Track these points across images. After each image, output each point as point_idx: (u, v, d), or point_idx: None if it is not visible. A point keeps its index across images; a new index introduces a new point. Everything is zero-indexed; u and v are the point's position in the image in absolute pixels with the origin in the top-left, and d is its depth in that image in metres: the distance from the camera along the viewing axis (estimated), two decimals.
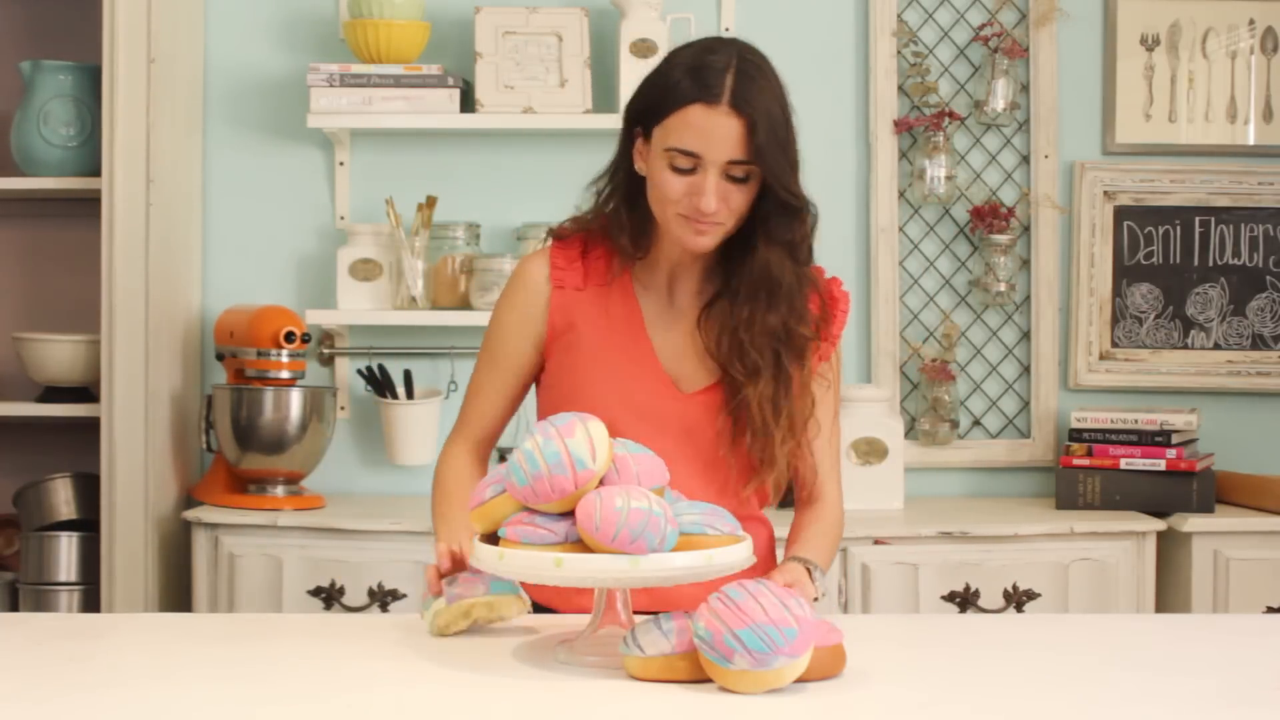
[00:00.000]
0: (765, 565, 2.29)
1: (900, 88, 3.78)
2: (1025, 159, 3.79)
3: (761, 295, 2.24)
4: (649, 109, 2.22)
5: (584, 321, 2.30)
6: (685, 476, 2.17)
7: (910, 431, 3.75)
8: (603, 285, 2.31)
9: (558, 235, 2.35)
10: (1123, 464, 3.52)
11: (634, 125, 2.26)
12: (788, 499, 3.55)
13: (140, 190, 3.43)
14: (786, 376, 2.25)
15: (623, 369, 2.28)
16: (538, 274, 2.33)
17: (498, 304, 2.37)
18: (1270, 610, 3.35)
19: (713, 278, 2.29)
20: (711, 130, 2.15)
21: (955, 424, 3.75)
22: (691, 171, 2.16)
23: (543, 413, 2.34)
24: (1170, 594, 3.43)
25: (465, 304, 3.65)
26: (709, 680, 1.77)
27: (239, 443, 3.46)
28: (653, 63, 3.52)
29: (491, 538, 1.92)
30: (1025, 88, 3.78)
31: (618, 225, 2.28)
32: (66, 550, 3.51)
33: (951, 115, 3.73)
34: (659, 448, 2.05)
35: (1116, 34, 3.80)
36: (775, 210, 2.21)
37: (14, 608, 3.54)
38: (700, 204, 2.16)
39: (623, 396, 2.26)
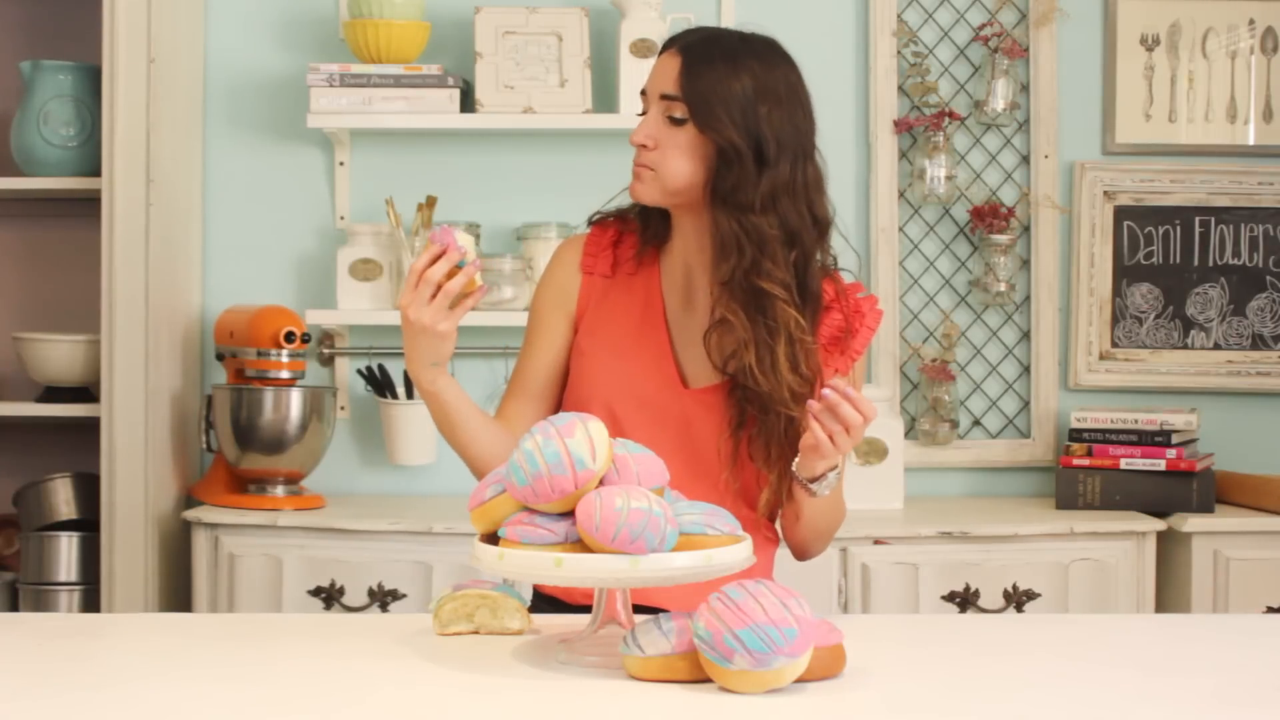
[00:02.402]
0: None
1: (900, 88, 3.78)
2: (1025, 159, 3.79)
3: (719, 256, 2.22)
4: None
5: (608, 308, 2.33)
6: (679, 474, 2.17)
7: (910, 431, 3.75)
8: (631, 274, 2.34)
9: (597, 221, 2.40)
10: (1123, 464, 3.52)
11: None
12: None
13: (140, 190, 3.43)
14: (768, 336, 2.19)
15: (633, 357, 2.30)
16: (570, 260, 2.37)
17: (537, 289, 2.42)
18: (1270, 610, 3.36)
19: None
20: (657, 69, 2.25)
21: (955, 424, 3.75)
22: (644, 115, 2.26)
23: (564, 401, 2.37)
24: (1170, 594, 3.43)
25: None
26: (709, 680, 1.77)
27: (239, 443, 3.47)
28: (652, 63, 3.56)
29: (492, 538, 1.92)
30: (1025, 88, 3.78)
31: (634, 207, 2.34)
32: (66, 550, 3.51)
33: (951, 115, 3.73)
34: (656, 441, 2.06)
35: (1116, 34, 3.80)
36: (718, 167, 2.20)
37: (14, 608, 3.54)
38: (631, 136, 2.24)
39: (626, 384, 2.28)
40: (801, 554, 2.36)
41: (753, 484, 2.29)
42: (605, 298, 2.34)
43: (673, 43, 2.27)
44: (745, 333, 2.20)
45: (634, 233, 2.35)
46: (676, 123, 2.21)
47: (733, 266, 2.20)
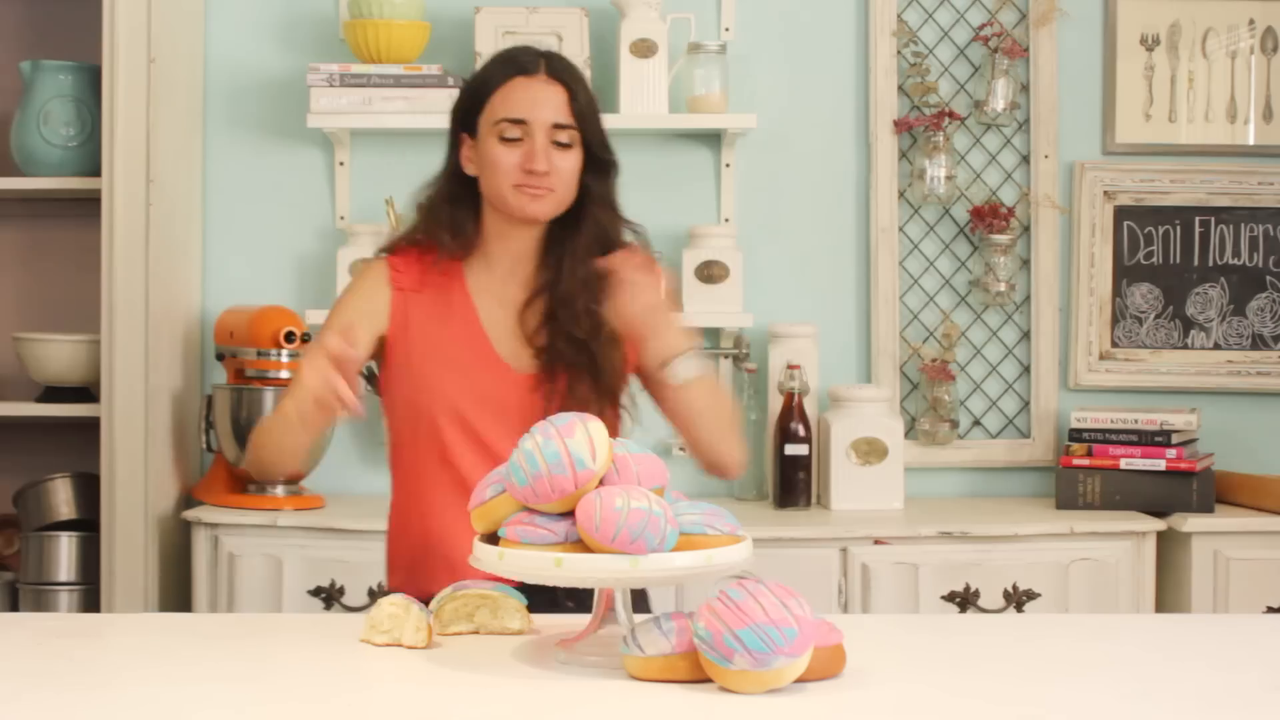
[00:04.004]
0: None
1: (900, 88, 3.77)
2: (1025, 159, 3.79)
3: (596, 250, 2.40)
4: (471, 104, 2.44)
5: (422, 320, 2.44)
6: None
7: (910, 431, 3.75)
8: (438, 288, 2.45)
9: (387, 251, 2.51)
10: (1123, 464, 3.51)
11: (459, 130, 2.46)
12: (785, 501, 3.54)
13: (140, 190, 3.43)
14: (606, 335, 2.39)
15: (460, 358, 2.41)
16: (378, 277, 2.48)
17: (341, 300, 2.50)
18: (1270, 610, 3.36)
19: (544, 269, 2.44)
20: (535, 97, 2.39)
21: (955, 424, 3.75)
22: (520, 141, 2.37)
23: (389, 413, 2.47)
24: (1170, 594, 3.43)
25: None
26: (709, 680, 1.77)
27: (239, 443, 3.47)
28: (653, 62, 3.58)
29: (492, 538, 1.92)
30: (1025, 88, 3.78)
31: (439, 224, 2.45)
32: (66, 550, 3.51)
33: (951, 115, 3.73)
34: (505, 432, 2.21)
35: (1116, 34, 3.80)
36: (595, 175, 2.44)
37: (14, 608, 3.54)
38: (532, 165, 2.36)
39: (464, 383, 2.40)
40: (715, 463, 2.45)
41: None
42: (419, 312, 2.44)
43: (531, 69, 2.41)
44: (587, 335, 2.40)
45: (428, 251, 2.47)
46: (564, 147, 2.39)
47: (615, 258, 2.37)
